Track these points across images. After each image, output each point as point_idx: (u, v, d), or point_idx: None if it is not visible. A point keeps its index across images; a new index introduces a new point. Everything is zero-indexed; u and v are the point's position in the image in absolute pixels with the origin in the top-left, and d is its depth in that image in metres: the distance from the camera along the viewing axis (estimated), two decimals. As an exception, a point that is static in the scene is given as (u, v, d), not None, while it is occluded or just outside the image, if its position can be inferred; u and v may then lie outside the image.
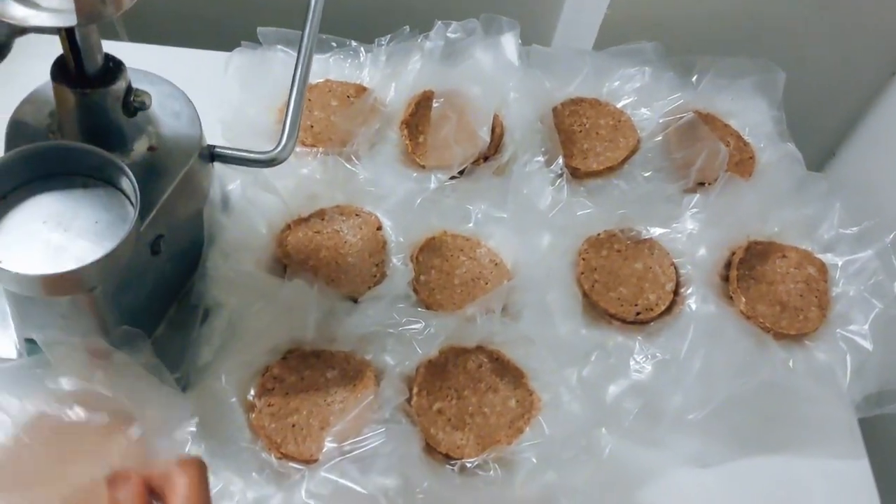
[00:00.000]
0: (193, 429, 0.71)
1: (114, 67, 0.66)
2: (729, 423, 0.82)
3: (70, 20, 0.57)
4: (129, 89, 0.67)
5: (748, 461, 0.83)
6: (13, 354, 0.76)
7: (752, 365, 0.83)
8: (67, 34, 0.61)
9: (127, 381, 0.73)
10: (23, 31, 0.58)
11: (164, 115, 0.73)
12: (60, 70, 0.65)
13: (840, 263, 0.94)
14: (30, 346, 0.74)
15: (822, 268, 0.94)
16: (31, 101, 0.70)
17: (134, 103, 0.68)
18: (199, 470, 0.51)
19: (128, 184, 0.64)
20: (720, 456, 0.82)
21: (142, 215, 0.63)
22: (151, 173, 0.69)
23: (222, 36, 1.01)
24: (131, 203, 0.64)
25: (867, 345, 0.87)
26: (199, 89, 0.77)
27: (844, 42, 1.24)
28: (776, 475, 0.83)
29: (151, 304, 0.63)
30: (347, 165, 0.94)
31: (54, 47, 0.63)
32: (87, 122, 0.67)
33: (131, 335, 0.68)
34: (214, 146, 0.79)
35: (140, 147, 0.70)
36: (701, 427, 0.81)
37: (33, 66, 0.67)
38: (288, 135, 0.76)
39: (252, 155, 0.79)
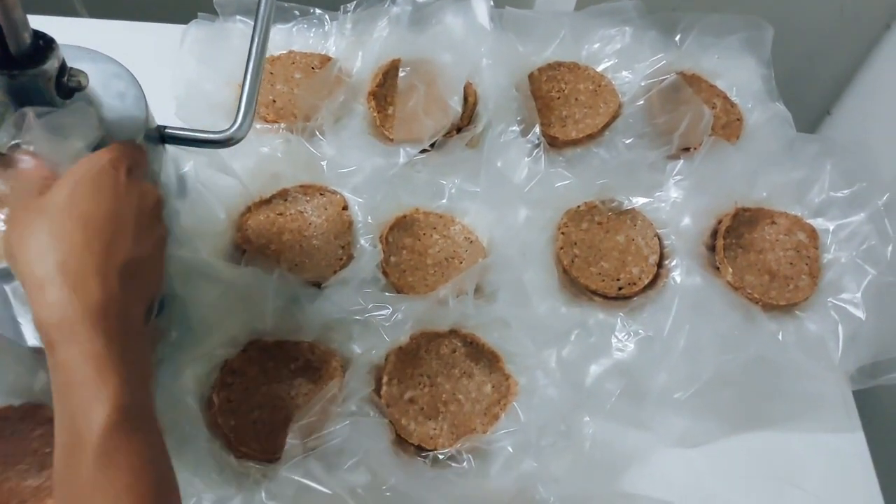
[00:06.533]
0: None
1: (44, 45, 0.62)
2: (717, 401, 0.79)
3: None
4: (63, 69, 0.63)
5: (738, 439, 0.80)
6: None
7: (739, 339, 0.81)
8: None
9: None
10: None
11: (107, 96, 0.68)
12: (-17, 50, 0.60)
13: (831, 228, 0.91)
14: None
15: (813, 233, 0.90)
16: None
17: (69, 84, 0.64)
18: None
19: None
20: (709, 435, 0.79)
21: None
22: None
23: (182, 8, 0.97)
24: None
25: (860, 314, 0.84)
26: (155, 65, 0.73)
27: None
28: (768, 453, 0.80)
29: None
30: (310, 142, 0.90)
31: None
32: (20, 106, 0.62)
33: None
34: (165, 127, 0.74)
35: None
36: (688, 406, 0.79)
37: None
38: (244, 111, 0.71)
39: (206, 135, 0.73)
